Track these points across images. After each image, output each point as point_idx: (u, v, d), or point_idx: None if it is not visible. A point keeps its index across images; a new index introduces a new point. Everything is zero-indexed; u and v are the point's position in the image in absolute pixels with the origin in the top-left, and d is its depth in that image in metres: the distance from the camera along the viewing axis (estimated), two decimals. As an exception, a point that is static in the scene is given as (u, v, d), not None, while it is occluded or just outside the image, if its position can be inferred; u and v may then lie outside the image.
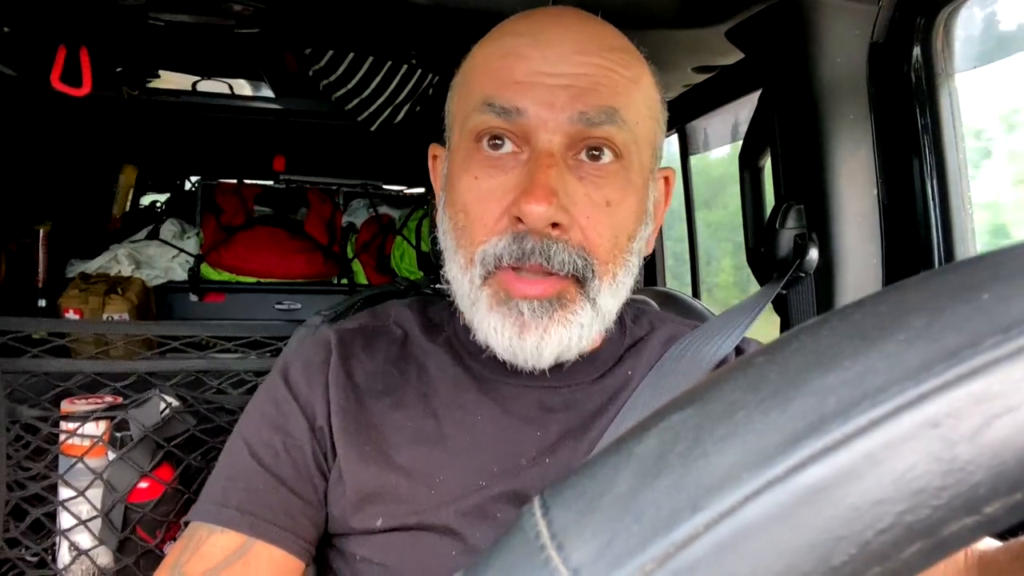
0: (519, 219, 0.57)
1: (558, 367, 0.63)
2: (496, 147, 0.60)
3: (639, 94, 0.61)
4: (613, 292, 0.61)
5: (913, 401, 0.14)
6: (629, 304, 0.76)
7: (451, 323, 0.69)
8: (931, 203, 0.88)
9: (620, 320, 0.71)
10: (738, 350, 0.71)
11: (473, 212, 0.60)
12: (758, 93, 1.02)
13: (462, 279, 0.61)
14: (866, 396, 0.14)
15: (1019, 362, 0.14)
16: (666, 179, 0.69)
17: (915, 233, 0.89)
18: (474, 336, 0.62)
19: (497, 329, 0.59)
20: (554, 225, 0.57)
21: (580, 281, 0.59)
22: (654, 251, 1.83)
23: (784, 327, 0.97)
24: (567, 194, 0.57)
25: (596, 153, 0.59)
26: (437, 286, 0.89)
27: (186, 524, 0.61)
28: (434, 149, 0.71)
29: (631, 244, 0.62)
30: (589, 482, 0.16)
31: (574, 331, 0.59)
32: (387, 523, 0.60)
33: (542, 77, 0.58)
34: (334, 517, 0.62)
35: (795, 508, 0.14)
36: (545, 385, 0.64)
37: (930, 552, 0.14)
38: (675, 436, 0.15)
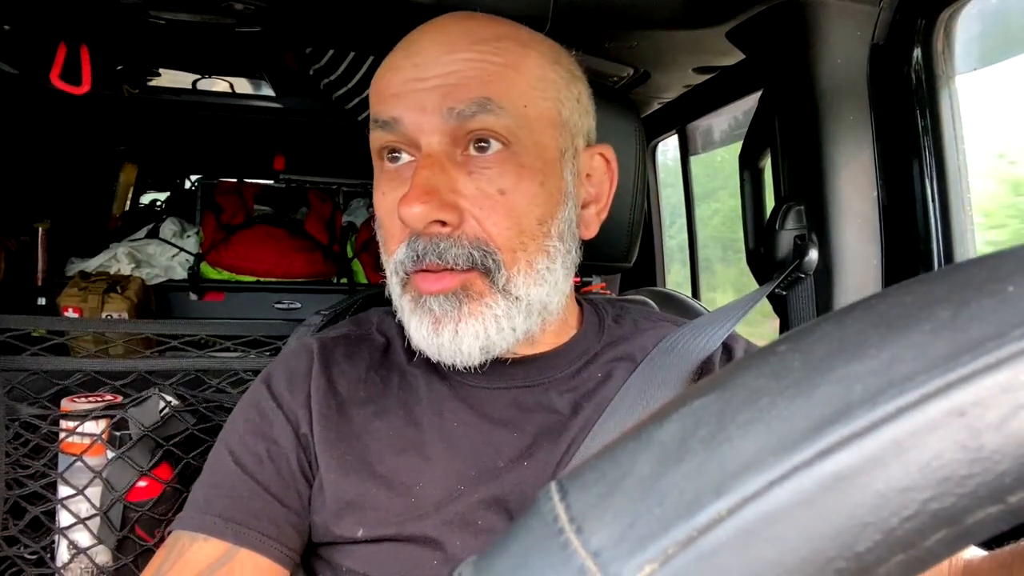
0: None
1: (526, 364, 0.65)
2: (395, 160, 0.62)
3: (520, 78, 0.60)
4: (536, 280, 0.61)
5: (940, 390, 0.14)
6: (611, 303, 0.76)
7: None
8: (931, 205, 0.88)
9: (598, 317, 0.72)
10: (725, 346, 0.70)
11: (385, 226, 0.63)
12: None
13: (391, 289, 0.64)
14: (892, 384, 0.14)
15: None
16: (603, 156, 0.68)
17: (915, 235, 0.89)
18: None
19: (417, 328, 0.60)
20: (443, 224, 0.57)
21: (486, 273, 0.59)
22: (653, 251, 1.84)
23: (783, 328, 0.97)
24: (454, 190, 0.58)
25: (484, 145, 0.59)
26: None
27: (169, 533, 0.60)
28: None
29: (543, 228, 0.61)
30: (608, 466, 0.16)
31: (490, 323, 0.59)
32: (368, 533, 0.59)
33: (413, 84, 0.59)
34: (317, 525, 0.62)
35: (821, 494, 0.14)
36: (517, 385, 0.65)
37: (954, 540, 0.14)
38: (697, 421, 0.15)
